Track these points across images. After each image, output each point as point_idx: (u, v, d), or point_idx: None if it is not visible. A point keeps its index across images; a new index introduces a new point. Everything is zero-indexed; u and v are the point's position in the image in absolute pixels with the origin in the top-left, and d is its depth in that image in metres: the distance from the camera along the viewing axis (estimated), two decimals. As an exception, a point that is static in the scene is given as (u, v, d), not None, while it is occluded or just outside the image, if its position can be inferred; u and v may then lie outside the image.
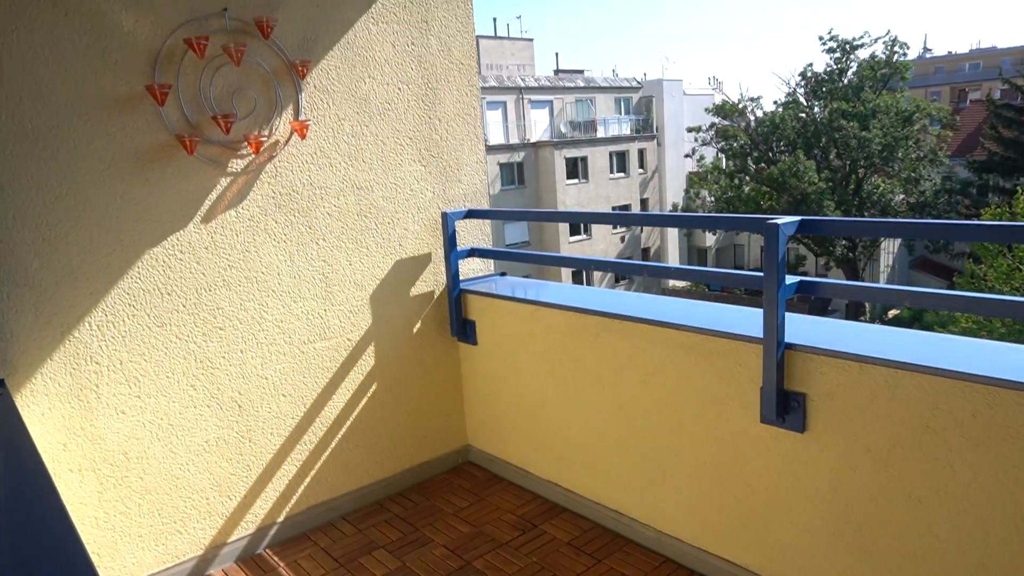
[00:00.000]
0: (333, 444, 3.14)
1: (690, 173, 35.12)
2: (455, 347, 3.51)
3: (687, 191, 34.96)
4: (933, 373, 1.89)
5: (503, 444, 3.41)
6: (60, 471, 2.45)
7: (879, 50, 29.92)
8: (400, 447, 3.38)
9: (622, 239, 32.89)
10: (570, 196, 31.56)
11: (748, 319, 2.43)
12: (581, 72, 37.89)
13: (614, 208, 33.69)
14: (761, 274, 2.16)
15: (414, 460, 3.44)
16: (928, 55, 58.81)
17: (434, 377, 3.46)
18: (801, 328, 2.25)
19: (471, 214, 3.39)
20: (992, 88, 37.26)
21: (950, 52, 59.29)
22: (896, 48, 29.82)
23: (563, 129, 33.31)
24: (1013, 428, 1.77)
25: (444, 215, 3.28)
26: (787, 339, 2.17)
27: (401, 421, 3.36)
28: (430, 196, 3.31)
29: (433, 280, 3.37)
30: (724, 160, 32.30)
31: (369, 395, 3.23)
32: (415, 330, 3.35)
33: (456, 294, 3.35)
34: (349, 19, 2.96)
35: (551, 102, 33.44)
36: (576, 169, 32.11)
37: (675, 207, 34.35)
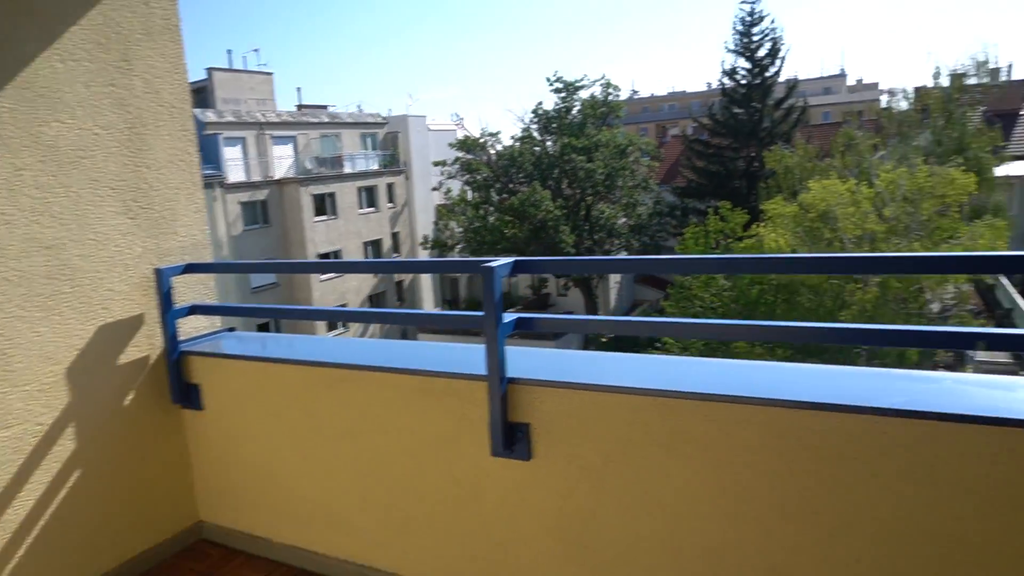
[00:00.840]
0: (22, 552, 2.64)
1: (438, 206, 36.21)
2: (178, 415, 3.19)
3: (436, 223, 35.96)
4: (630, 392, 2.13)
5: (239, 515, 3.16)
6: None
7: (597, 91, 33.64)
8: (115, 538, 2.97)
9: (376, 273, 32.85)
10: (319, 233, 30.79)
11: (477, 357, 2.54)
12: (325, 107, 37.37)
13: (365, 243, 33.57)
14: (482, 313, 2.27)
15: (134, 549, 3.04)
16: (636, 96, 67.49)
17: (154, 452, 3.11)
18: (522, 361, 2.41)
19: (190, 268, 3.13)
20: (686, 125, 43.73)
21: (652, 94, 68.77)
22: (610, 90, 33.77)
23: (309, 165, 32.48)
24: (692, 432, 2.05)
25: (157, 271, 2.99)
26: (509, 374, 2.31)
27: (115, 508, 2.96)
28: (140, 251, 3.00)
29: (148, 344, 3.05)
30: (469, 192, 33.83)
31: (70, 485, 2.79)
32: (127, 402, 2.99)
33: (176, 357, 3.06)
34: (27, 55, 2.59)
35: (295, 138, 32.49)
36: (324, 205, 31.46)
37: (426, 239, 35.14)
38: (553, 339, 22.11)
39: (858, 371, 2.12)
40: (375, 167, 35.58)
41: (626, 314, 35.11)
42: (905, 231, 16.98)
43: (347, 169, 33.65)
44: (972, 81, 25.32)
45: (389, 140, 36.95)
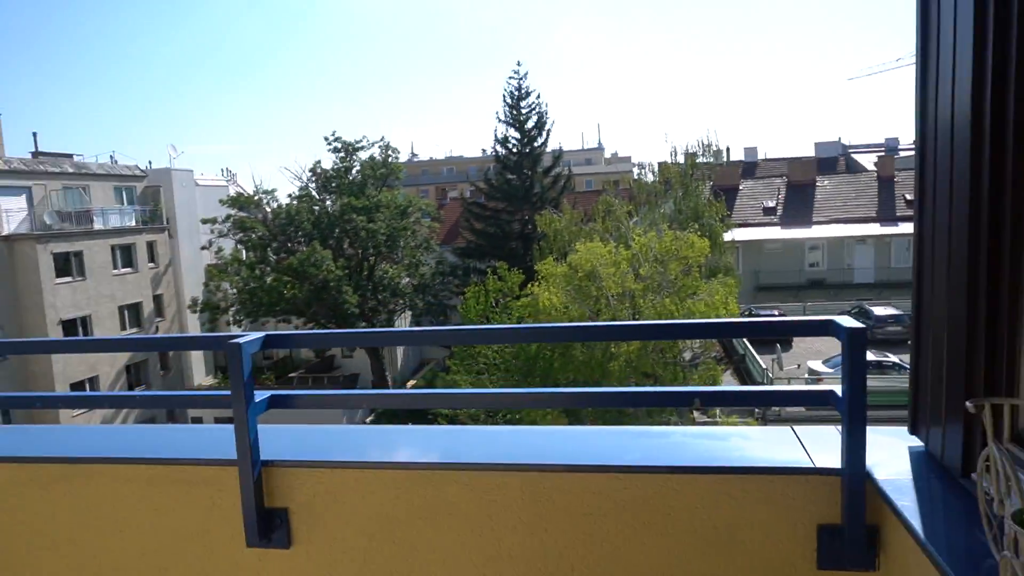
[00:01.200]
0: None
1: (209, 266, 33.70)
2: None
3: (207, 284, 33.36)
4: (390, 467, 2.09)
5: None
6: None
7: (376, 153, 33.91)
8: None
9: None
10: (62, 297, 27.11)
11: (228, 439, 2.34)
12: (70, 156, 33.43)
13: (121, 307, 30.20)
14: (229, 392, 2.11)
15: None
16: (416, 159, 69.14)
17: None
18: (278, 441, 2.26)
19: None
20: (464, 188, 45.62)
21: (431, 157, 70.92)
22: (390, 152, 34.27)
23: (48, 220, 28.65)
24: (454, 502, 2.05)
25: None
26: (263, 456, 2.15)
27: None
28: None
29: None
30: (244, 251, 32.00)
31: None
32: None
33: None
34: None
35: (30, 188, 28.59)
36: (70, 265, 27.85)
37: (195, 302, 32.42)
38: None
39: (604, 430, 2.29)
40: (132, 223, 32.35)
41: (414, 373, 34.97)
42: (658, 288, 19.06)
43: (98, 225, 30.20)
44: (702, 160, 29.77)
45: (150, 195, 33.88)
